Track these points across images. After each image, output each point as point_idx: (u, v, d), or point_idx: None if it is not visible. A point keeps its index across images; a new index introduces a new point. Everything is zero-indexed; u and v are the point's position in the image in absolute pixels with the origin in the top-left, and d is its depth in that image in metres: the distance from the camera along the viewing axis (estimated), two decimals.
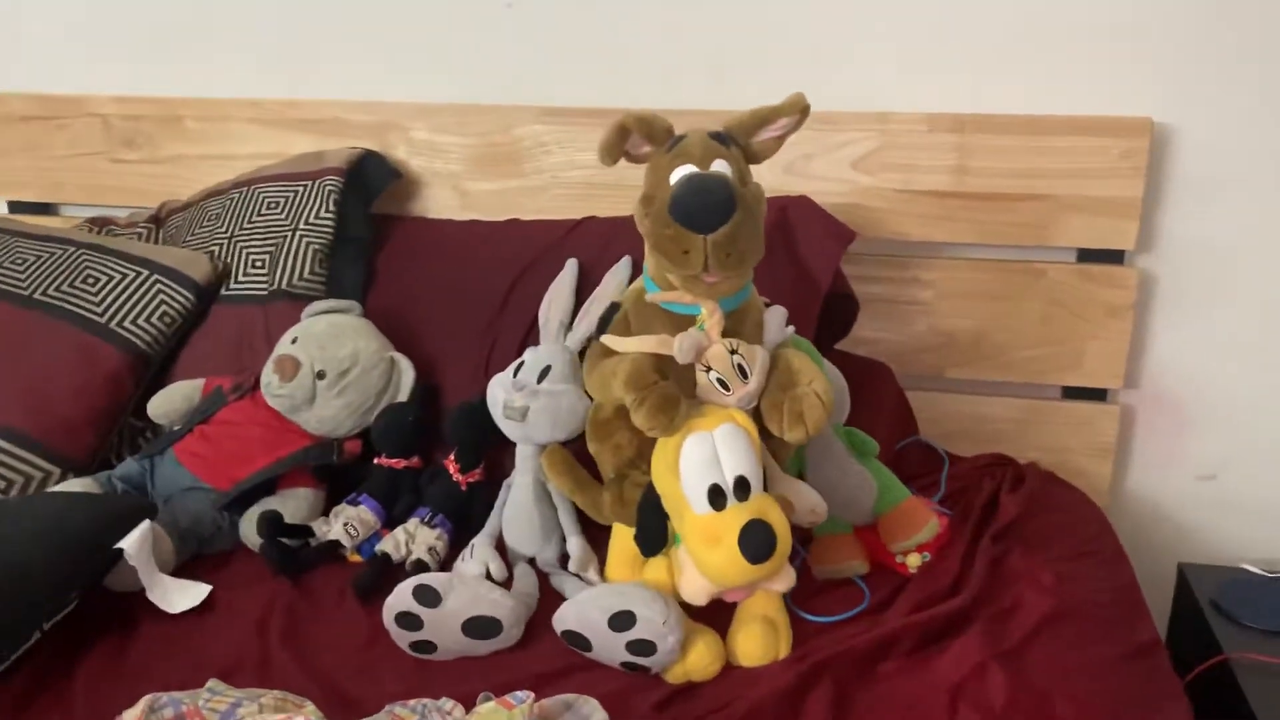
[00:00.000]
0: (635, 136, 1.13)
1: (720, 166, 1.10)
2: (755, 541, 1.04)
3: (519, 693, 0.99)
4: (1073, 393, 1.73)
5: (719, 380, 1.12)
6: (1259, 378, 1.69)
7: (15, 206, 2.08)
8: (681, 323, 1.15)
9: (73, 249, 1.68)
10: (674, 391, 1.08)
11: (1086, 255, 1.67)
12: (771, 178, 1.69)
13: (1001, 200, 1.65)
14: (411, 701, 1.05)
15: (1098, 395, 1.72)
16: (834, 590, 1.33)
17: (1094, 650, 1.18)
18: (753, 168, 1.15)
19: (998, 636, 1.18)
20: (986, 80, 1.65)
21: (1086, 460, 1.73)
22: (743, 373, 1.11)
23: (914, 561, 1.35)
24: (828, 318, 1.58)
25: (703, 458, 1.07)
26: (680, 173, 1.10)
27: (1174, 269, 1.67)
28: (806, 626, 1.25)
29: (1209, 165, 1.61)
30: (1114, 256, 1.66)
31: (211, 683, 1.04)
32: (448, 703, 1.05)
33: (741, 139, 1.15)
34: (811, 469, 1.34)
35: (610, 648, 1.14)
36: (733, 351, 1.11)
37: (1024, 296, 1.69)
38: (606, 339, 1.15)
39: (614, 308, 1.20)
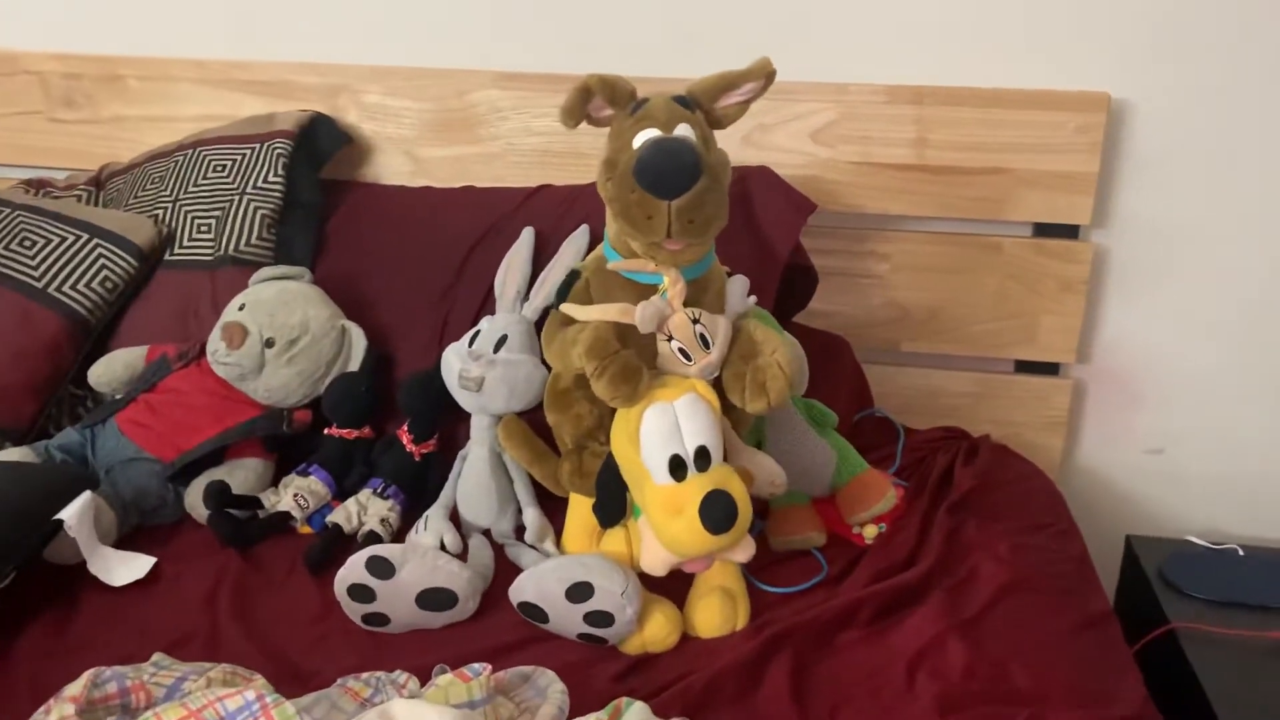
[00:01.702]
0: (598, 99, 1.11)
1: (684, 131, 1.08)
2: (716, 512, 1.03)
3: (475, 665, 0.98)
4: (1026, 367, 1.75)
5: (681, 350, 1.10)
6: (1208, 354, 1.71)
7: None
8: (643, 291, 1.13)
9: (8, 211, 1.61)
10: (636, 361, 1.07)
11: (1042, 230, 1.68)
12: (729, 148, 1.64)
13: (960, 174, 1.65)
14: (365, 674, 1.03)
15: (1050, 369, 1.74)
16: (791, 561, 1.32)
17: (1049, 621, 1.19)
18: None
19: (955, 607, 1.18)
20: (947, 53, 1.64)
21: (1038, 434, 1.74)
22: (705, 342, 1.10)
23: (870, 533, 1.35)
24: (786, 290, 1.57)
25: (664, 428, 1.06)
26: (644, 136, 1.08)
27: (1127, 245, 1.68)
28: (765, 598, 1.24)
29: (1165, 141, 1.62)
30: (1069, 231, 1.66)
31: (157, 656, 1.01)
32: (401, 675, 1.03)
33: (705, 103, 1.13)
34: (771, 440, 1.33)
35: (567, 619, 1.13)
36: (695, 321, 1.09)
37: (980, 270, 1.69)
38: (566, 307, 1.13)
39: (573, 275, 1.18)
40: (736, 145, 1.68)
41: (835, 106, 1.65)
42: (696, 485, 1.05)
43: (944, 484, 1.48)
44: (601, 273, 1.15)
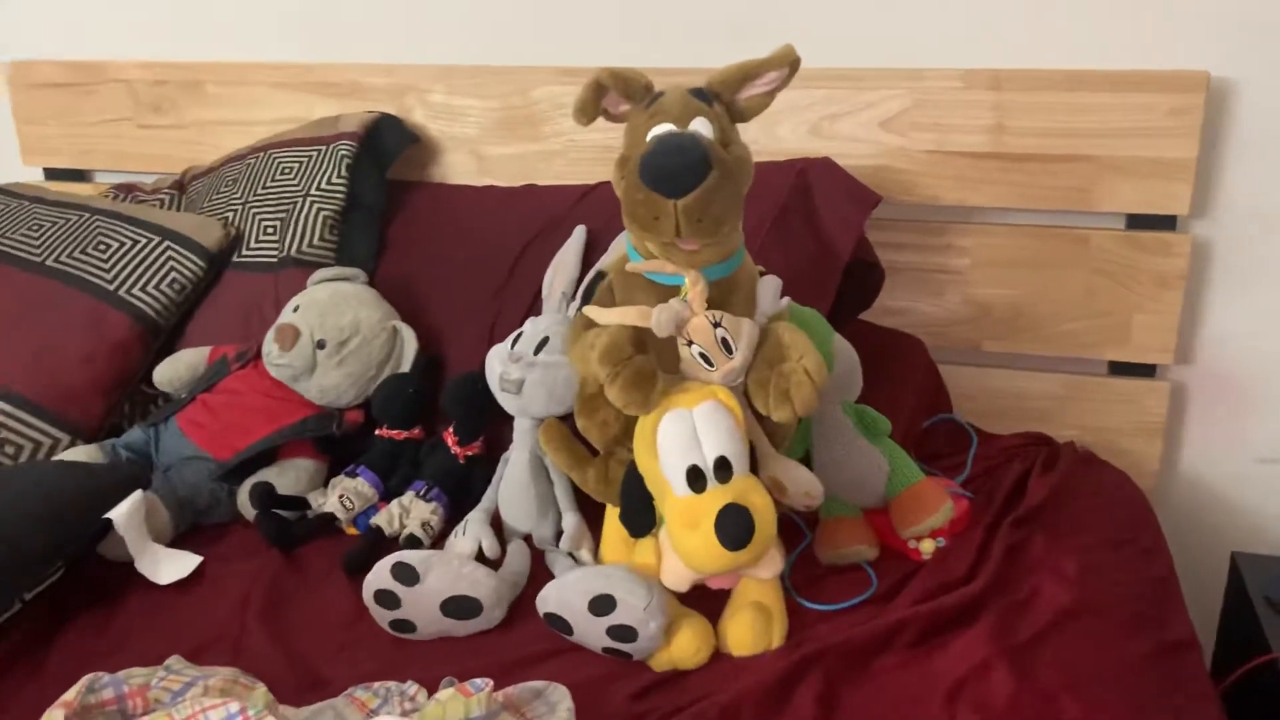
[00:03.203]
0: (612, 94, 1.06)
1: (699, 125, 1.03)
2: (731, 527, 0.97)
3: (477, 680, 0.95)
4: (1119, 368, 1.62)
5: (701, 355, 1.05)
6: None
7: (50, 174, 2.10)
8: (665, 294, 1.08)
9: (88, 215, 1.67)
10: (649, 366, 1.02)
11: (1135, 221, 1.56)
12: (795, 139, 1.62)
13: (1042, 161, 1.55)
14: (375, 684, 1.02)
15: (1146, 371, 1.61)
16: (840, 576, 1.25)
17: (1114, 649, 1.09)
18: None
19: (1007, 630, 1.09)
20: (1026, 33, 1.53)
21: (1132, 440, 1.62)
22: (727, 347, 1.04)
23: (928, 548, 1.27)
24: (850, 287, 1.50)
25: (681, 437, 1.01)
26: (657, 132, 1.03)
27: (1231, 236, 1.55)
28: (807, 614, 1.18)
29: (1271, 123, 1.49)
30: (1165, 222, 1.54)
31: (171, 659, 1.01)
32: (411, 686, 1.01)
33: (726, 95, 1.07)
34: (818, 449, 1.27)
35: (591, 632, 1.09)
36: (716, 324, 1.04)
37: (1066, 265, 1.58)
38: (588, 310, 1.09)
39: (599, 276, 1.14)
40: (803, 135, 1.61)
41: (907, 93, 1.57)
42: (714, 498, 1.00)
43: (1016, 495, 1.39)
44: (624, 274, 1.11)
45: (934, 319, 1.66)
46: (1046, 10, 1.52)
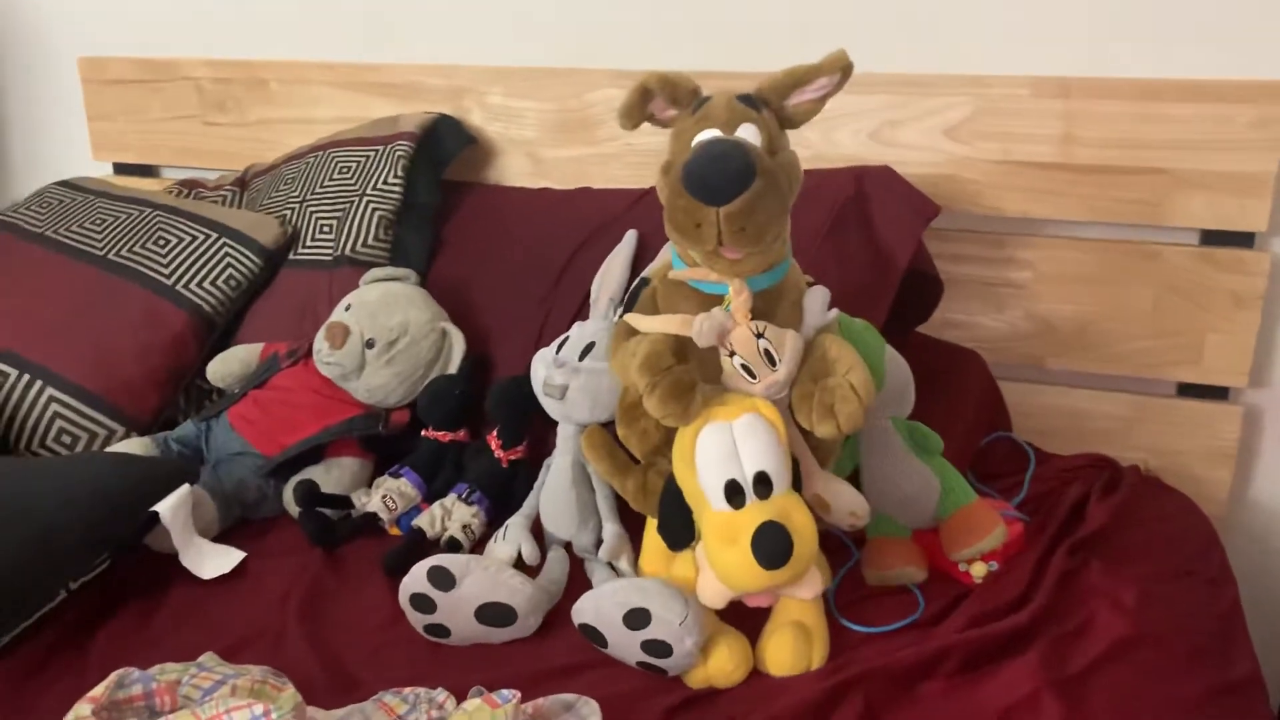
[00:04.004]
0: (659, 99, 1.04)
1: (746, 132, 1.00)
2: (769, 545, 0.95)
3: (505, 691, 0.93)
4: (1189, 390, 1.56)
5: (744, 366, 1.02)
6: None
7: (119, 168, 2.14)
8: (708, 302, 1.05)
9: (149, 210, 1.69)
10: (689, 377, 0.99)
11: (1210, 237, 1.49)
12: (855, 145, 1.58)
13: (1112, 174, 1.49)
14: (406, 690, 1.01)
15: (1218, 394, 1.54)
16: (887, 598, 1.21)
17: (1171, 683, 1.04)
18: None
19: (1058, 661, 1.05)
20: (1097, 39, 1.48)
21: (1203, 465, 1.55)
22: (770, 359, 1.01)
23: (979, 571, 1.22)
24: (907, 299, 1.46)
25: (720, 450, 0.98)
26: (703, 138, 1.01)
27: None
28: (849, 636, 1.14)
29: None
30: (1242, 239, 1.47)
31: (205, 656, 1.01)
32: (440, 693, 1.00)
33: (775, 101, 1.04)
34: (866, 466, 1.23)
35: (626, 646, 1.07)
36: (759, 335, 1.01)
37: (1135, 281, 1.52)
38: (629, 318, 1.07)
39: (643, 283, 1.12)
40: (864, 142, 1.58)
41: (972, 100, 1.52)
42: (753, 514, 0.97)
43: (1074, 519, 1.34)
44: (668, 282, 1.09)
45: (995, 334, 1.61)
46: (1117, 16, 1.47)
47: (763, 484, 0.98)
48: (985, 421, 1.54)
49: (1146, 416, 1.57)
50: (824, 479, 1.08)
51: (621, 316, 1.12)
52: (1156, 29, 1.46)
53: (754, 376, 1.02)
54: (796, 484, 1.05)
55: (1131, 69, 1.47)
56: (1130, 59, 1.47)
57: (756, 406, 1.01)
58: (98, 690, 0.86)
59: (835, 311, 1.09)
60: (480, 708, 0.92)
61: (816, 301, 1.08)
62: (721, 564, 0.99)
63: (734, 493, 0.99)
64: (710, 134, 1.01)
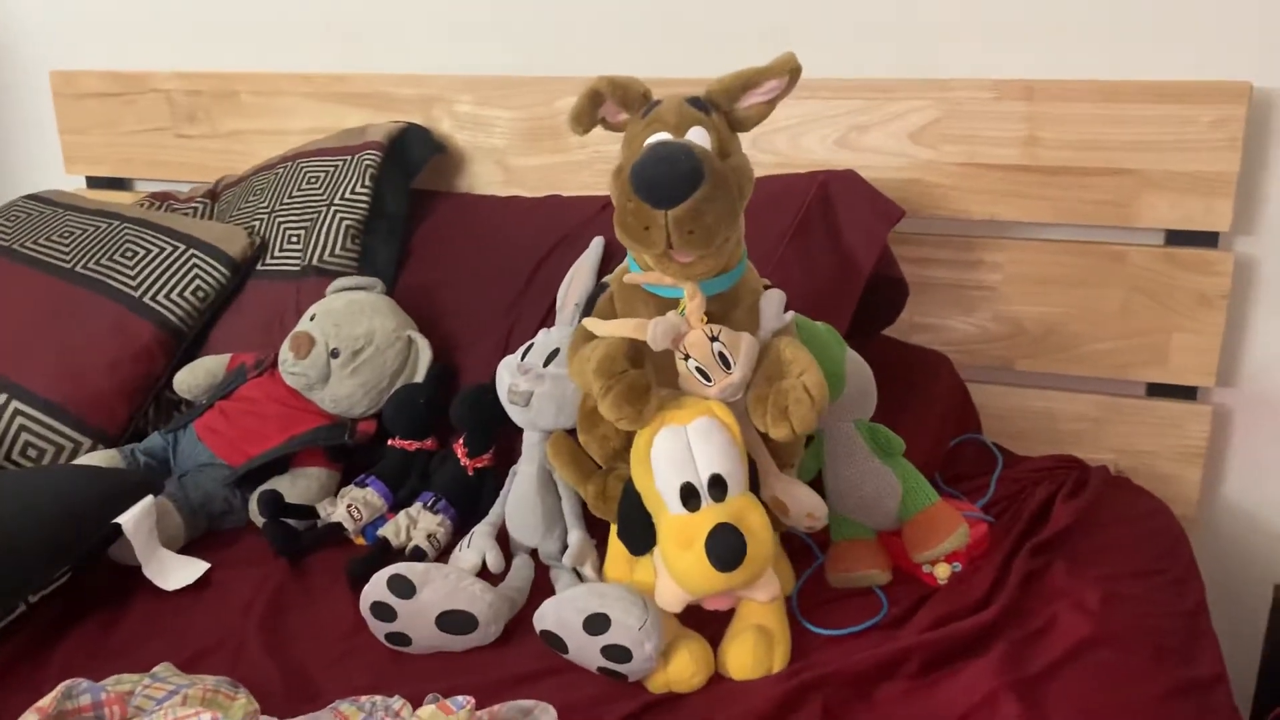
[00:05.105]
0: (610, 103, 1.04)
1: (696, 135, 1.00)
2: (721, 548, 0.94)
3: (459, 698, 0.93)
4: (1158, 390, 1.56)
5: (699, 369, 1.02)
6: None
7: (92, 182, 2.13)
8: (666, 306, 1.05)
9: (117, 223, 1.69)
10: (643, 380, 0.99)
11: (1175, 237, 1.50)
12: (823, 151, 1.58)
13: (1077, 175, 1.50)
14: (363, 698, 1.00)
15: (1186, 394, 1.55)
16: (851, 601, 1.21)
17: (1134, 684, 1.03)
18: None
19: (1018, 662, 1.04)
20: (1059, 42, 1.49)
21: (1171, 465, 1.56)
22: (725, 362, 1.01)
23: (943, 573, 1.22)
24: (873, 302, 1.46)
25: (675, 454, 0.98)
26: (651, 141, 1.01)
27: (1276, 253, 1.48)
28: (812, 639, 1.14)
29: None
30: (1206, 239, 1.48)
31: (160, 667, 1.01)
32: (397, 701, 0.99)
33: (725, 104, 1.04)
34: (830, 468, 1.23)
35: (586, 651, 1.07)
36: (713, 338, 1.01)
37: (1102, 282, 1.53)
38: (586, 322, 1.07)
39: (601, 288, 1.11)
40: (830, 147, 1.58)
41: (937, 104, 1.53)
42: (708, 517, 0.97)
43: (1040, 519, 1.34)
44: (626, 286, 1.09)
45: (964, 336, 1.61)
46: (1080, 18, 1.47)
47: (718, 487, 0.98)
48: (954, 424, 1.54)
49: (1116, 417, 1.57)
50: (781, 481, 1.08)
51: (579, 323, 1.12)
52: (1116, 30, 1.46)
53: (709, 380, 1.02)
54: (755, 487, 1.04)
55: (1093, 70, 1.47)
56: (1092, 60, 1.48)
57: (712, 409, 1.01)
58: (45, 701, 0.85)
59: (792, 314, 1.08)
60: (435, 714, 0.92)
61: (773, 305, 1.08)
62: (677, 567, 0.99)
63: (689, 496, 0.99)
64: (660, 137, 1.01)
